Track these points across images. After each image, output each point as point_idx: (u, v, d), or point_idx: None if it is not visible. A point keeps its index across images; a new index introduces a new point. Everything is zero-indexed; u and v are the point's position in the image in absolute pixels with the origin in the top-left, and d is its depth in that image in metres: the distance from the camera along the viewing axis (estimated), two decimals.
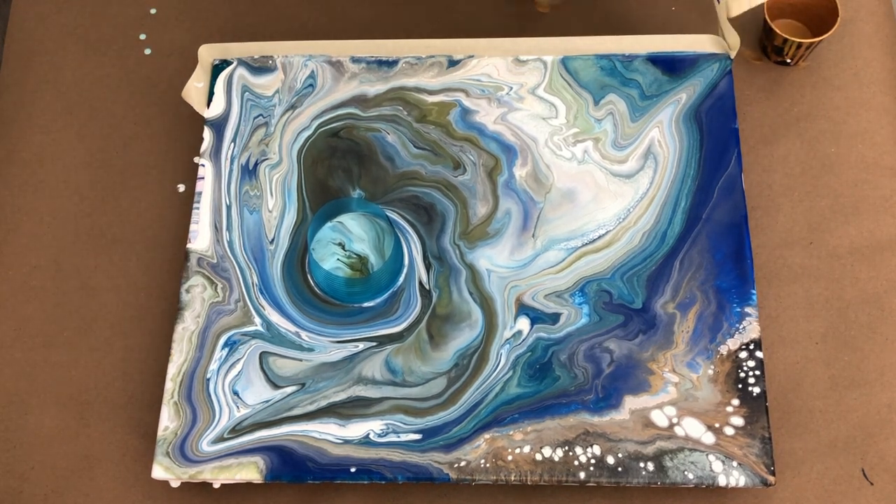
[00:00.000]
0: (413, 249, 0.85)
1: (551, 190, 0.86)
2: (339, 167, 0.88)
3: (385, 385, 0.80)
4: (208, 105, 0.91)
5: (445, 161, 0.88)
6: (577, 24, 0.99)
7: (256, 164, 0.88)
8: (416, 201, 0.87)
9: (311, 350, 0.81)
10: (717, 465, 0.77)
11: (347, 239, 0.84)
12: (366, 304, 0.83)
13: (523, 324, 0.81)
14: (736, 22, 0.98)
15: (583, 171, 0.87)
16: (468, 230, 0.85)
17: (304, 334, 0.82)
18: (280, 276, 0.84)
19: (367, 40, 0.92)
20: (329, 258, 0.84)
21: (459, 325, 0.82)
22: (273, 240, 0.86)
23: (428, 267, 0.84)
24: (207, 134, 0.90)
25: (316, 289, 0.84)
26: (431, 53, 0.92)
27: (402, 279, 0.84)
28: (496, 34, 0.99)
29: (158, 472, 0.78)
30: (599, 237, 0.84)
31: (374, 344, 0.81)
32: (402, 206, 0.86)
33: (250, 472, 0.77)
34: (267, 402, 0.80)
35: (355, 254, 0.84)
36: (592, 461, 0.77)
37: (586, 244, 0.84)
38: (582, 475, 0.77)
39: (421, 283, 0.83)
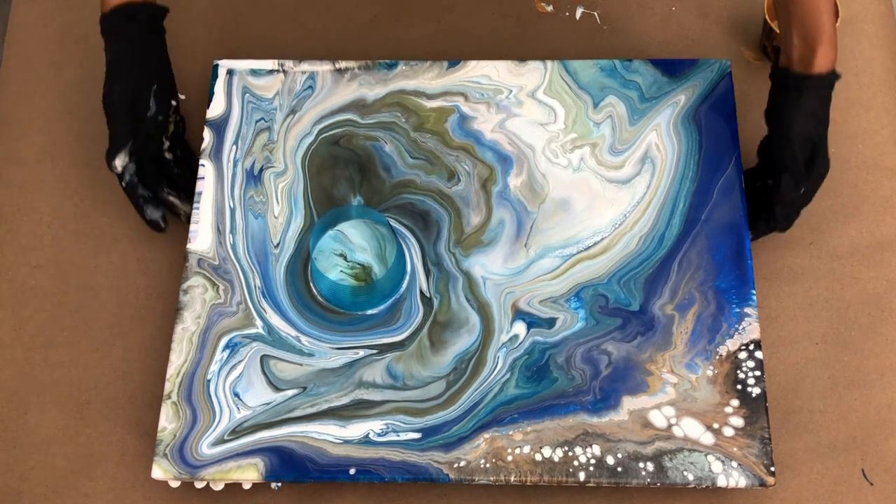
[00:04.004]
0: (413, 255, 0.85)
1: (545, 200, 0.86)
2: (342, 176, 0.88)
3: (386, 389, 0.80)
4: (208, 105, 0.91)
5: (440, 171, 0.88)
6: (577, 24, 0.99)
7: (261, 170, 0.88)
8: (411, 208, 0.87)
9: (311, 355, 0.81)
10: (717, 466, 0.77)
11: (349, 249, 0.84)
12: (369, 312, 0.83)
13: (519, 328, 0.81)
14: (736, 22, 0.98)
15: (578, 180, 0.87)
16: (462, 238, 0.85)
17: (304, 339, 0.82)
18: (283, 281, 0.84)
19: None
20: (332, 269, 0.84)
21: (458, 331, 0.82)
22: (278, 244, 0.86)
23: (427, 273, 0.84)
24: (207, 134, 0.90)
25: (319, 296, 0.84)
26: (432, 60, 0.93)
27: (404, 286, 0.84)
28: (496, 34, 0.99)
29: (158, 473, 0.78)
30: (595, 244, 0.84)
31: (375, 351, 0.81)
32: (399, 213, 0.86)
33: (250, 474, 0.78)
34: (268, 404, 0.80)
35: (358, 263, 0.84)
36: (592, 461, 0.77)
37: (581, 251, 0.84)
38: (582, 475, 0.77)
39: (421, 291, 0.83)
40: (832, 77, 0.79)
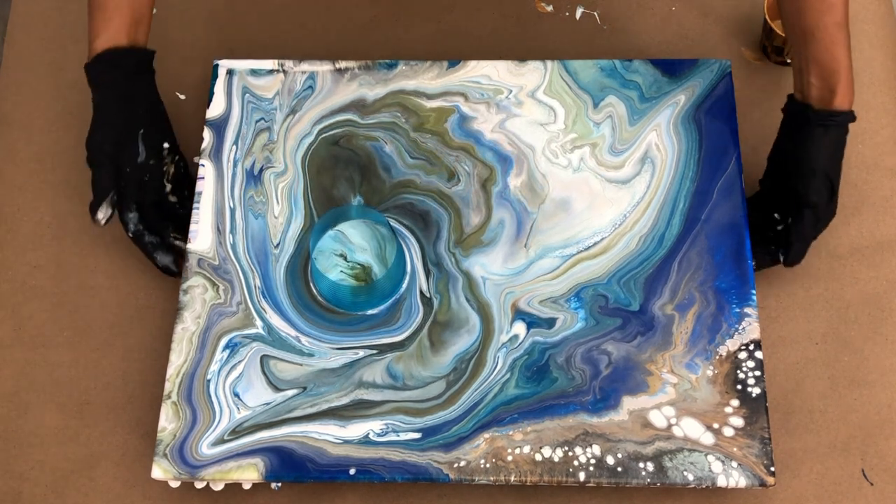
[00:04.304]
0: (413, 256, 0.85)
1: (545, 200, 0.86)
2: (342, 176, 0.88)
3: (386, 389, 0.80)
4: (208, 105, 0.91)
5: (440, 171, 0.88)
6: (577, 24, 0.99)
7: (261, 171, 0.88)
8: (411, 208, 0.87)
9: (311, 355, 0.81)
10: (717, 466, 0.77)
11: (349, 249, 0.84)
12: (369, 312, 0.83)
13: (519, 328, 0.81)
14: (736, 22, 0.98)
15: (578, 180, 0.87)
16: (462, 238, 0.85)
17: (304, 339, 0.82)
18: (283, 281, 0.84)
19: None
20: (332, 269, 0.84)
21: (458, 331, 0.82)
22: (278, 244, 0.86)
23: (427, 273, 0.84)
24: (207, 134, 0.90)
25: (319, 297, 0.84)
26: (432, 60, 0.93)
27: (404, 286, 0.84)
28: (496, 34, 0.99)
29: (158, 473, 0.78)
30: (595, 244, 0.84)
31: (375, 352, 0.81)
32: (399, 213, 0.86)
33: (250, 474, 0.78)
34: (268, 404, 0.80)
35: (358, 263, 0.84)
36: (592, 461, 0.77)
37: (581, 251, 0.84)
38: (582, 475, 0.77)
39: (421, 291, 0.83)
40: (851, 116, 0.79)
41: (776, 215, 0.83)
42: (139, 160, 0.83)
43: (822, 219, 0.81)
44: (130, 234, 0.84)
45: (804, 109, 0.79)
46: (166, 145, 0.85)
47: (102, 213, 0.82)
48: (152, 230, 0.85)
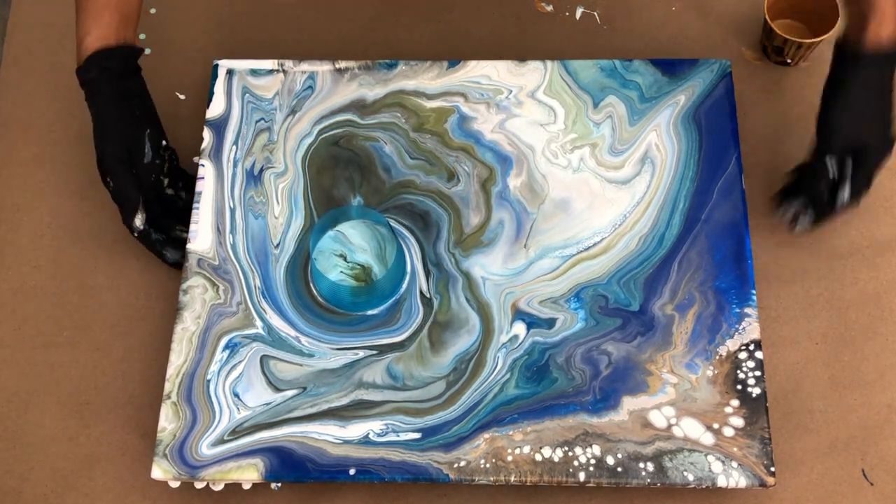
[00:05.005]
0: (413, 256, 0.85)
1: (545, 201, 0.86)
2: (342, 176, 0.88)
3: (386, 389, 0.80)
4: (208, 105, 0.91)
5: (440, 171, 0.88)
6: (577, 24, 0.99)
7: (261, 171, 0.88)
8: (411, 208, 0.87)
9: (311, 356, 0.81)
10: (717, 466, 0.77)
11: (349, 249, 0.84)
12: (369, 312, 0.83)
13: (519, 328, 0.81)
14: (736, 21, 0.98)
15: (578, 180, 0.87)
16: (462, 239, 0.85)
17: (304, 339, 0.82)
18: (283, 281, 0.84)
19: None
20: (332, 270, 0.84)
21: (458, 332, 0.82)
22: (278, 244, 0.86)
23: (427, 273, 0.84)
24: (207, 134, 0.90)
25: (319, 297, 0.84)
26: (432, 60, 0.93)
27: (404, 286, 0.84)
28: (496, 34, 0.99)
29: (158, 473, 0.78)
30: (595, 244, 0.84)
31: (375, 352, 0.81)
32: (399, 213, 0.86)
33: (250, 474, 0.77)
34: (268, 404, 0.80)
35: (358, 264, 0.84)
36: (592, 461, 0.77)
37: (581, 251, 0.84)
38: (582, 476, 0.77)
39: (421, 292, 0.83)
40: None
41: (827, 160, 0.80)
42: (145, 161, 0.83)
43: (877, 154, 0.81)
44: (137, 235, 0.84)
45: (849, 47, 0.79)
46: (164, 143, 0.85)
47: (139, 221, 0.83)
48: (157, 227, 0.85)
